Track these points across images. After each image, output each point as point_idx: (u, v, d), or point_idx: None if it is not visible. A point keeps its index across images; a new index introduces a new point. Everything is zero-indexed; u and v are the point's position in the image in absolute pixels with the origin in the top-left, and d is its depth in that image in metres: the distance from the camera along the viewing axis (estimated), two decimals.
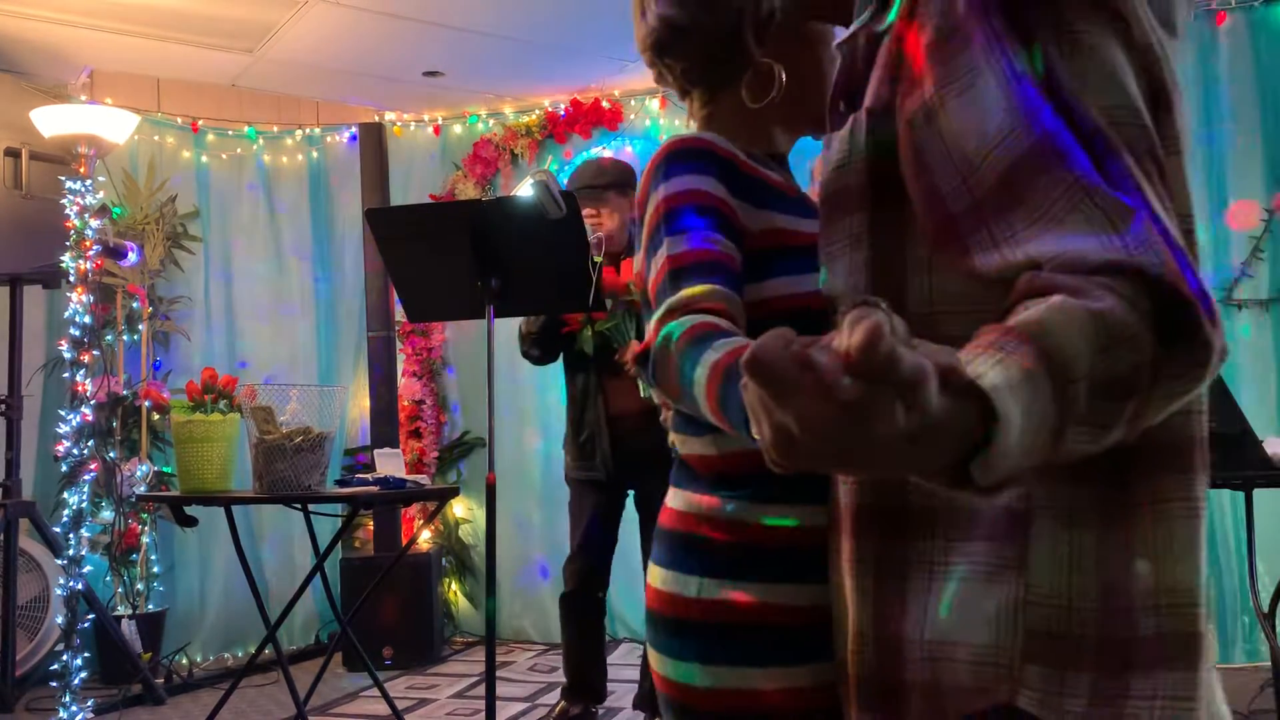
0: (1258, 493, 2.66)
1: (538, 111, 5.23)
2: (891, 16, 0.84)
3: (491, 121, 5.33)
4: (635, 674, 3.76)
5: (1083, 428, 0.64)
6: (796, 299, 1.04)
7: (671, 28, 1.17)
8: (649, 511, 3.37)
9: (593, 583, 3.44)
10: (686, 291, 0.98)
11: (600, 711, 3.68)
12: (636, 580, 4.04)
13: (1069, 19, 0.76)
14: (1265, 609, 2.76)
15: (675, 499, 1.11)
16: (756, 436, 0.58)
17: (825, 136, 0.91)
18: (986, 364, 0.59)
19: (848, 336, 0.52)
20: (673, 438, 1.14)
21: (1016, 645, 0.75)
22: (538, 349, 3.33)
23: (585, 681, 3.49)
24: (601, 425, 3.31)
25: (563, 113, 5.16)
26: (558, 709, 3.49)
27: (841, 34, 0.94)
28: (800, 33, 1.15)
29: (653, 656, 1.08)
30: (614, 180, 3.33)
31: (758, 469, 0.86)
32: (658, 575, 1.08)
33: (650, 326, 1.02)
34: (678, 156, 1.11)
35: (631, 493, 3.43)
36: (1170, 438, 0.76)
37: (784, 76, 1.13)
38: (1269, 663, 3.06)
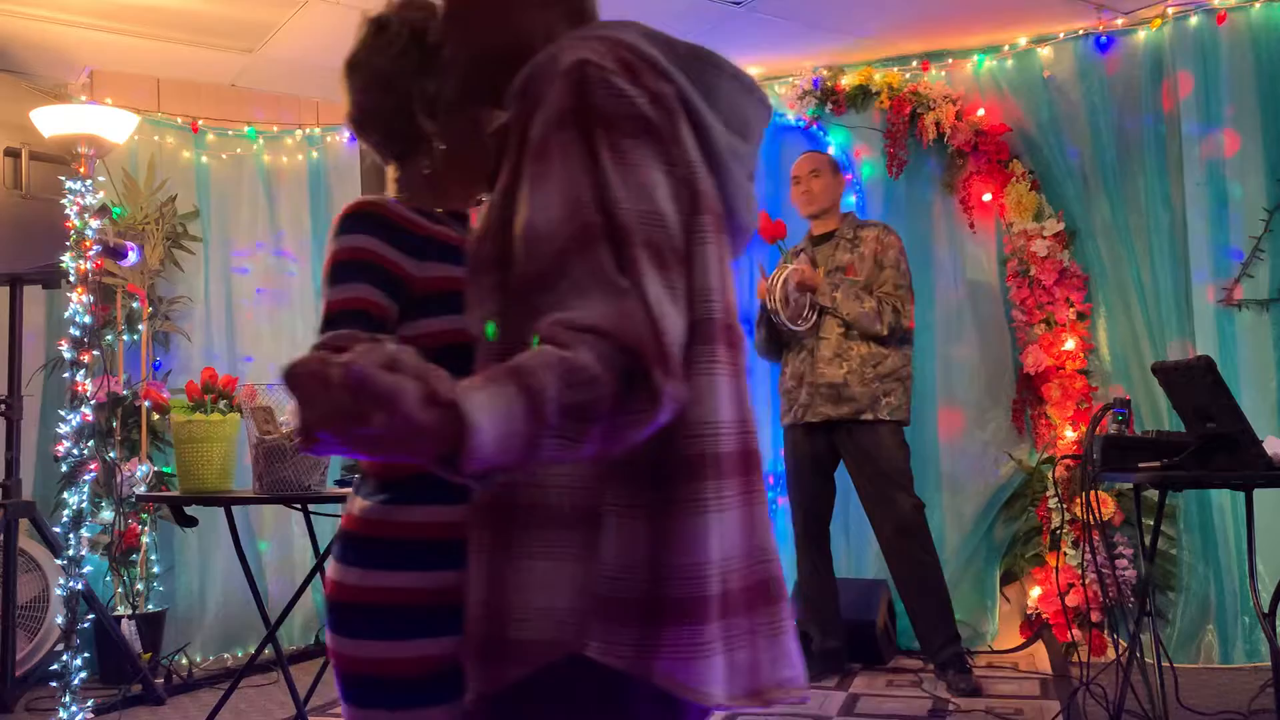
0: (1258, 493, 2.66)
1: None
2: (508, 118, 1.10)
3: None
4: None
5: (556, 439, 0.89)
6: (450, 334, 1.26)
7: (362, 110, 1.46)
8: None
9: None
10: (329, 334, 1.24)
11: None
12: None
13: (622, 145, 1.00)
14: (1265, 609, 2.77)
15: (350, 504, 1.34)
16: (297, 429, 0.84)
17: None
18: (475, 388, 0.85)
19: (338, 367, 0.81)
20: None
21: (585, 608, 0.99)
22: None
23: None
24: None
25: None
26: None
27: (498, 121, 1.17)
28: (469, 113, 1.37)
29: (328, 636, 1.31)
30: None
31: (409, 474, 1.17)
32: (330, 568, 1.32)
33: None
34: (348, 218, 1.37)
35: None
36: (687, 454, 1.02)
37: (443, 148, 1.40)
38: (1269, 663, 3.06)
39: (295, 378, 0.84)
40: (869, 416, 3.88)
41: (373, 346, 0.83)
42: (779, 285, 3.91)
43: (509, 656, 1.02)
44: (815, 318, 3.94)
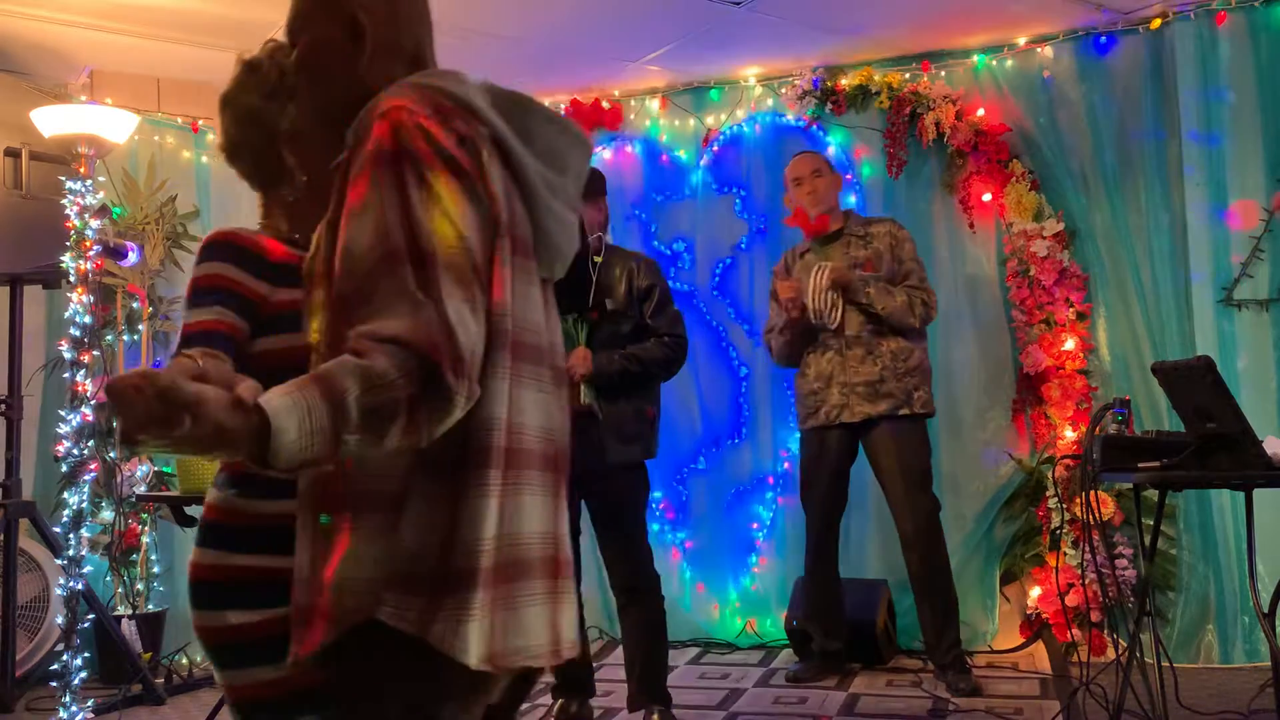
0: (1258, 493, 2.66)
1: None
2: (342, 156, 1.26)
3: None
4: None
5: (360, 435, 1.06)
6: (296, 349, 1.38)
7: (232, 141, 1.68)
8: (601, 507, 3.38)
9: None
10: (184, 351, 1.47)
11: (598, 713, 3.68)
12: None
13: (428, 180, 1.16)
14: (1265, 609, 2.76)
15: (209, 495, 1.57)
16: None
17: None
18: (279, 394, 1.03)
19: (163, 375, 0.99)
20: None
21: (384, 579, 1.16)
22: None
23: (573, 675, 3.51)
24: None
25: (563, 112, 5.15)
26: (556, 708, 3.49)
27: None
28: (325, 149, 1.49)
29: (192, 614, 1.55)
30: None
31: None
32: (193, 552, 1.56)
33: None
34: (206, 247, 1.59)
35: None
36: (479, 445, 1.19)
37: (304, 178, 1.57)
38: (1269, 663, 3.06)
39: (113, 390, 0.98)
40: (905, 411, 3.89)
41: (183, 361, 1.05)
42: (820, 287, 3.88)
43: (320, 622, 1.18)
44: (840, 316, 3.93)
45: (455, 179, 1.18)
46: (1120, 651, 3.27)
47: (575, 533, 3.47)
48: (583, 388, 3.27)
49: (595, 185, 3.41)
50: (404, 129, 1.18)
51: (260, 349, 1.55)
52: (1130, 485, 3.39)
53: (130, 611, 4.37)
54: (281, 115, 1.60)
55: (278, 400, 1.02)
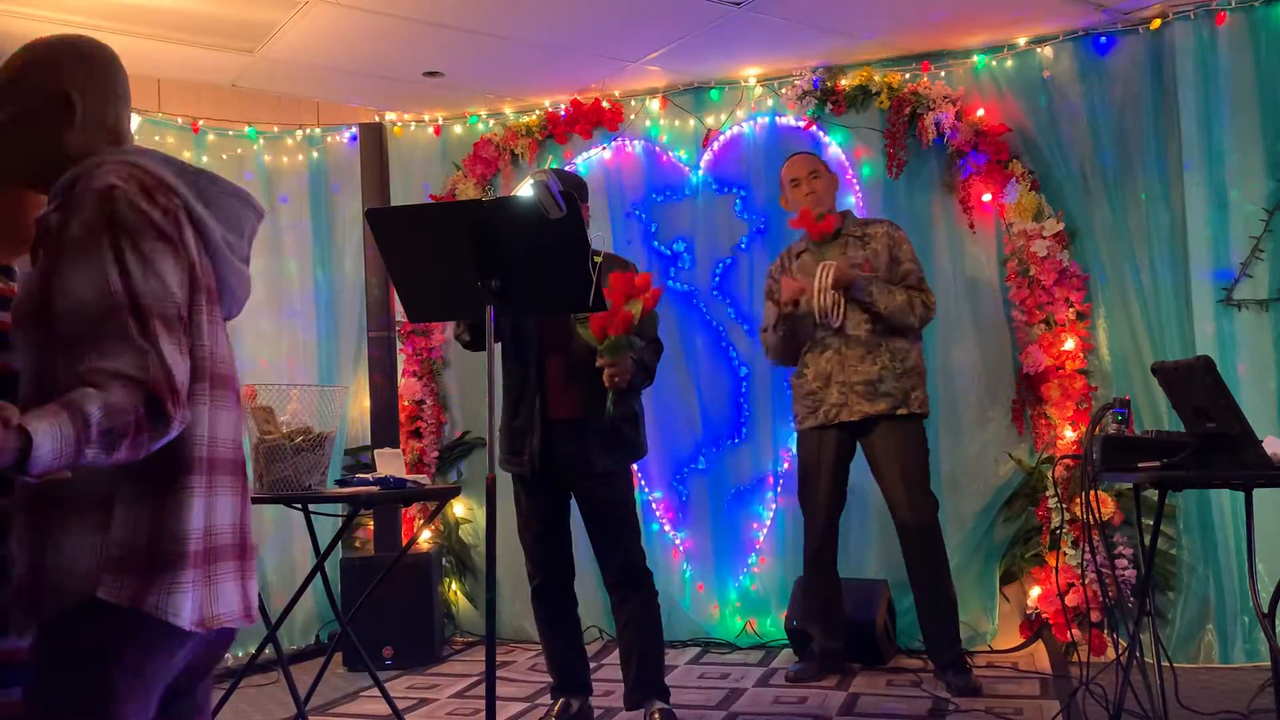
0: (1258, 493, 2.66)
1: (538, 111, 5.23)
2: (46, 210, 1.53)
3: (492, 121, 5.33)
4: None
5: (96, 450, 1.34)
6: (8, 369, 1.66)
7: None
8: (591, 509, 3.41)
9: (560, 572, 3.47)
10: None
11: (598, 713, 3.68)
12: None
13: (142, 246, 1.46)
14: (1265, 609, 2.77)
15: None
16: None
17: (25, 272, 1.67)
18: (38, 416, 1.30)
19: None
20: None
21: (100, 565, 1.43)
22: (470, 334, 3.37)
23: (569, 674, 3.52)
24: (535, 424, 3.33)
25: (563, 113, 5.16)
26: (556, 708, 3.49)
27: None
28: (19, 192, 1.80)
29: None
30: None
31: None
32: None
33: None
34: None
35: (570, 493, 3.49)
36: (182, 456, 1.50)
37: None
38: (1269, 663, 3.06)
39: None
40: (903, 411, 3.90)
41: None
42: (824, 287, 3.88)
43: (44, 602, 1.45)
44: (842, 315, 3.93)
45: (163, 245, 1.48)
46: (1120, 651, 3.27)
47: (565, 533, 3.48)
48: (610, 395, 3.30)
49: (580, 192, 3.45)
50: (119, 204, 1.46)
51: None
52: (1130, 485, 3.39)
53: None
54: None
55: (38, 422, 1.29)
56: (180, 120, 5.05)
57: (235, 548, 1.60)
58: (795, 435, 4.84)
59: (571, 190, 3.14)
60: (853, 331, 3.93)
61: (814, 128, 4.85)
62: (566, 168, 4.88)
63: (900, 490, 3.90)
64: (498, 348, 3.41)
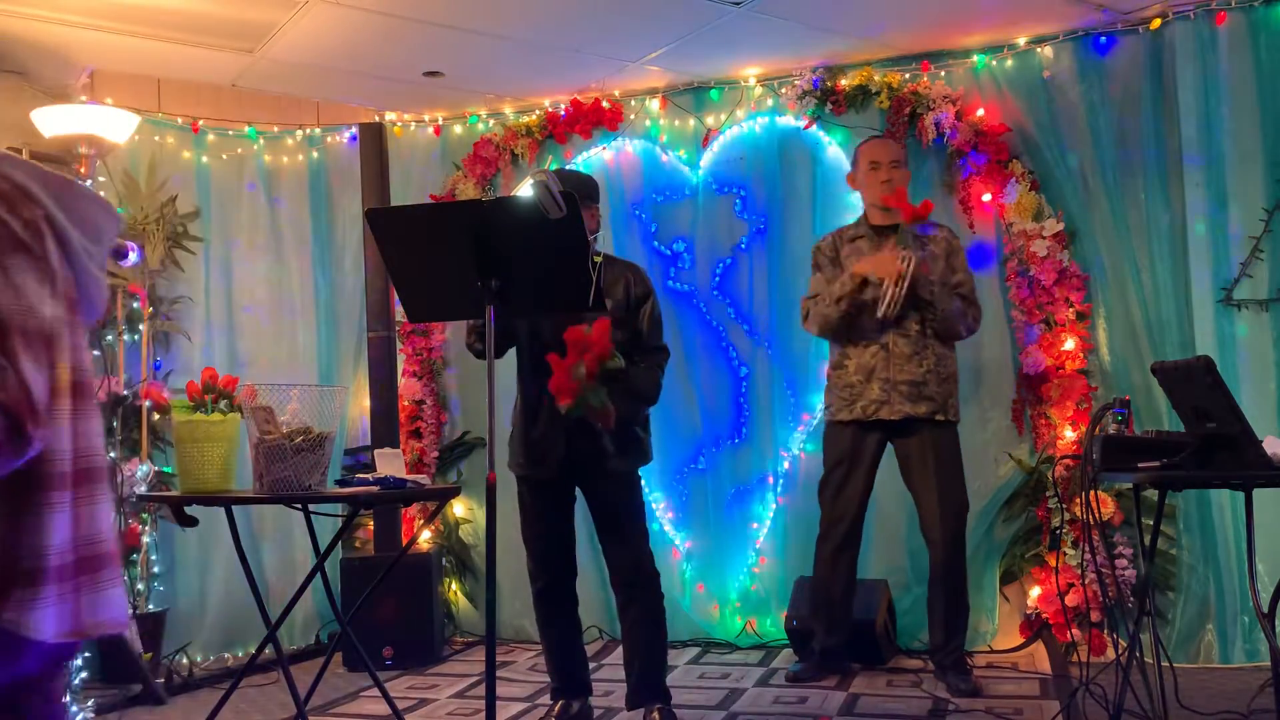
0: (1258, 493, 2.66)
1: (538, 111, 5.23)
2: None
3: (492, 121, 5.33)
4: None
5: None
6: None
7: None
8: (602, 509, 3.41)
9: (564, 574, 3.47)
10: None
11: (598, 713, 3.68)
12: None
13: (2, 259, 1.38)
14: (1265, 609, 2.77)
15: None
16: None
17: None
18: None
19: None
20: None
21: None
22: (482, 343, 3.34)
23: (569, 675, 3.51)
24: (559, 432, 3.32)
25: (563, 113, 5.16)
26: (556, 708, 3.49)
27: None
28: None
29: None
30: (573, 189, 3.31)
31: None
32: None
33: None
34: None
35: (580, 492, 3.48)
36: (42, 473, 1.42)
37: None
38: (1269, 663, 3.06)
39: None
40: (941, 417, 3.90)
41: None
42: (904, 275, 3.79)
43: None
44: (897, 309, 3.84)
45: (24, 257, 1.42)
46: (1120, 651, 3.27)
47: (570, 535, 3.48)
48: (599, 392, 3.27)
49: (590, 192, 3.40)
50: None
51: None
52: (1130, 485, 3.39)
53: (131, 611, 4.38)
54: None
55: None
56: (180, 120, 5.05)
57: (113, 555, 1.58)
58: (796, 435, 4.83)
59: (579, 191, 3.13)
60: (904, 330, 3.90)
61: (814, 127, 4.85)
62: (567, 168, 4.87)
63: (935, 493, 3.88)
64: (509, 352, 3.42)
